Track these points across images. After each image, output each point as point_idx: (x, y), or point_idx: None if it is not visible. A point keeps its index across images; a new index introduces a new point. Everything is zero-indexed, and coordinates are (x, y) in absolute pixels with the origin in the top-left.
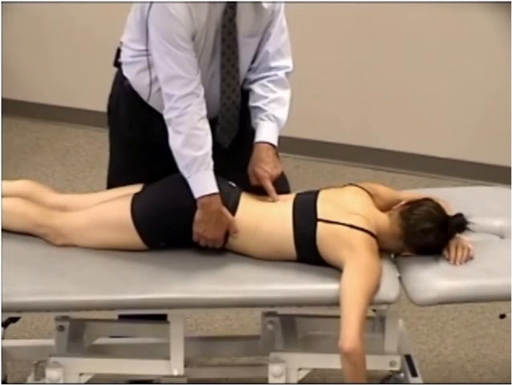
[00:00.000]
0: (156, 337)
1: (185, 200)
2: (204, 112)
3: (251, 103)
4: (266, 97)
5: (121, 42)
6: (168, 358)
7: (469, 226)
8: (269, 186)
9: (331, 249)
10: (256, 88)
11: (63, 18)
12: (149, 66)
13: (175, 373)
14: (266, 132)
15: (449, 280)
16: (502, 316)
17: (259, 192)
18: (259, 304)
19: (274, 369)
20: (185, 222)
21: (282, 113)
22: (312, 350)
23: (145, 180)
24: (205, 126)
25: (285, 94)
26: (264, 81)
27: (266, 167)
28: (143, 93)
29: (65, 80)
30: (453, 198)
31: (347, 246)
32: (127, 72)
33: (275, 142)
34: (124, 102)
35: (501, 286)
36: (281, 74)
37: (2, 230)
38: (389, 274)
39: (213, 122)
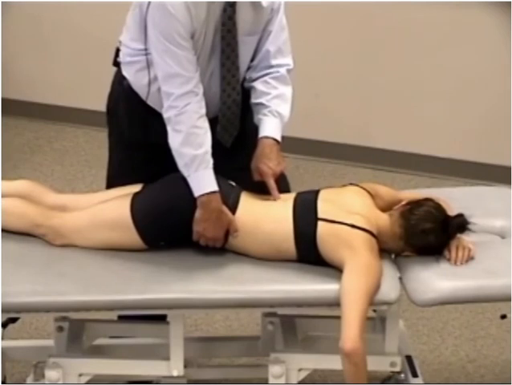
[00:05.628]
0: (155, 337)
1: (185, 199)
2: (203, 111)
3: (253, 100)
4: (268, 93)
5: (120, 42)
6: (167, 358)
7: (470, 226)
8: (271, 184)
9: (332, 249)
10: (258, 85)
11: (63, 18)
12: (148, 66)
13: (175, 374)
14: (270, 128)
15: (449, 280)
16: (503, 316)
17: (259, 191)
18: (259, 304)
19: (274, 370)
20: (185, 221)
21: (285, 109)
22: (312, 350)
23: (145, 179)
24: (205, 124)
25: (287, 90)
26: (266, 78)
27: (270, 163)
28: (142, 92)
29: (65, 80)
30: (454, 198)
31: (348, 246)
32: (126, 72)
33: (279, 137)
34: (124, 102)
35: (502, 287)
36: (282, 70)
37: (2, 230)
38: (390, 275)
39: (213, 121)
